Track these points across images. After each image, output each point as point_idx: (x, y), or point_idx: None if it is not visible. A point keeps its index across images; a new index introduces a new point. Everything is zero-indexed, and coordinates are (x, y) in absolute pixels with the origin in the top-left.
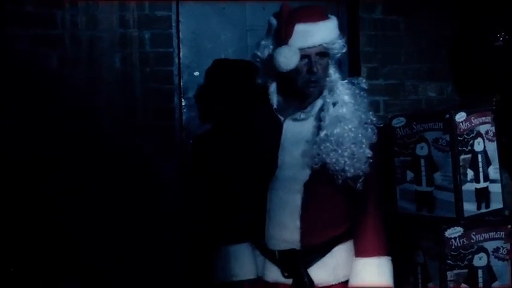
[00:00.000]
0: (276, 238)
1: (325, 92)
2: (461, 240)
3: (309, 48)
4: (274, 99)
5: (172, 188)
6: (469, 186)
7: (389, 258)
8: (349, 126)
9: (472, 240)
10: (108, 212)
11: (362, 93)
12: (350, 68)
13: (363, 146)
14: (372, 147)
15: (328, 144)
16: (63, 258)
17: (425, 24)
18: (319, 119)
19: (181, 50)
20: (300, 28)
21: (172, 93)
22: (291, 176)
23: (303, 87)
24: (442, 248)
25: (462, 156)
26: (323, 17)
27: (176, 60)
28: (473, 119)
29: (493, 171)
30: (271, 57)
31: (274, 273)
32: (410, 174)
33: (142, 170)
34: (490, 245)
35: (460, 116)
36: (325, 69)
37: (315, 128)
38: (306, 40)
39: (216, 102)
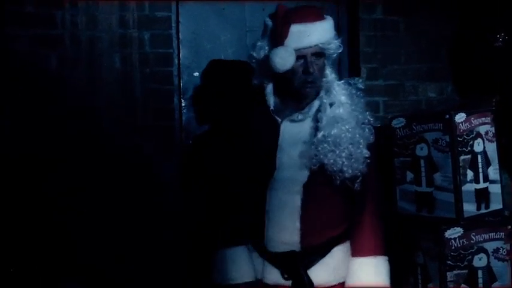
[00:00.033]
0: (275, 240)
1: (322, 93)
2: (461, 241)
3: (304, 48)
4: (271, 100)
5: (172, 188)
6: (469, 187)
7: (386, 258)
8: (347, 127)
9: (471, 241)
10: (108, 212)
11: (359, 93)
12: (350, 68)
13: (361, 146)
14: (369, 147)
15: (325, 145)
16: (63, 258)
17: (425, 24)
18: (316, 119)
19: (181, 51)
20: (295, 29)
21: (172, 93)
22: (289, 177)
23: (299, 88)
24: (442, 248)
25: (462, 157)
26: (319, 17)
27: (176, 60)
28: (473, 120)
29: (493, 172)
30: (267, 58)
31: (274, 275)
32: (410, 175)
33: (142, 170)
34: (489, 246)
35: (460, 117)
36: (322, 69)
37: (313, 129)
38: (302, 40)
39: (212, 103)
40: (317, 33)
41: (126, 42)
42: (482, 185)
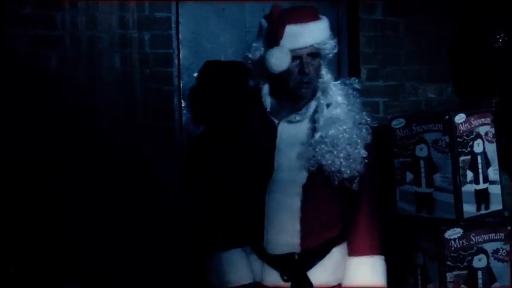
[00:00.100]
0: (275, 242)
1: (319, 94)
2: (460, 242)
3: (300, 49)
4: (268, 101)
5: (172, 188)
6: (469, 188)
7: (383, 257)
8: (344, 127)
9: (471, 242)
10: (108, 212)
11: (355, 93)
12: (350, 69)
13: (358, 146)
14: (366, 147)
15: (323, 145)
16: (63, 258)
17: (425, 25)
18: (313, 120)
19: (181, 51)
20: (290, 29)
21: (172, 94)
22: (288, 179)
23: (295, 89)
24: (441, 249)
25: (462, 158)
26: (314, 17)
27: (176, 61)
28: (473, 120)
29: (493, 173)
30: (263, 59)
31: (273, 277)
32: (409, 176)
33: (142, 170)
34: (489, 246)
35: (460, 118)
36: (317, 69)
37: (310, 129)
38: (297, 41)
39: (208, 104)
40: (312, 34)
41: (126, 43)
42: (482, 185)
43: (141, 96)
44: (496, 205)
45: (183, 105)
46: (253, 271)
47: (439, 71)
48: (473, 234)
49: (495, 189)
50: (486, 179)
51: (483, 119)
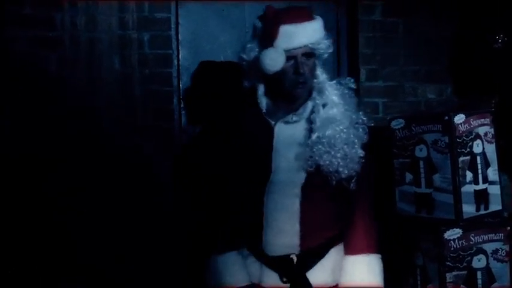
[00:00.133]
0: (274, 243)
1: (315, 94)
2: (460, 242)
3: (294, 49)
4: (263, 102)
5: (172, 188)
6: (468, 188)
7: (379, 256)
8: (341, 127)
9: (471, 242)
10: (108, 212)
11: (350, 93)
12: (349, 69)
13: (356, 146)
14: (363, 146)
15: (320, 146)
16: (63, 258)
17: (424, 25)
18: (310, 121)
19: (180, 52)
20: (284, 29)
21: (171, 94)
22: (287, 180)
23: (290, 89)
24: (441, 249)
25: (461, 158)
26: (308, 17)
27: (175, 62)
28: (472, 121)
29: (492, 173)
30: (257, 60)
31: (272, 279)
32: (409, 176)
33: (142, 170)
34: (489, 247)
35: (459, 118)
36: (312, 69)
37: (306, 130)
38: (292, 41)
39: (204, 105)
40: (306, 34)
41: (126, 43)
42: (481, 186)
43: (141, 97)
44: (495, 205)
45: (182, 105)
46: (251, 273)
47: (438, 72)
48: (473, 235)
49: (494, 190)
50: (485, 180)
51: (482, 120)
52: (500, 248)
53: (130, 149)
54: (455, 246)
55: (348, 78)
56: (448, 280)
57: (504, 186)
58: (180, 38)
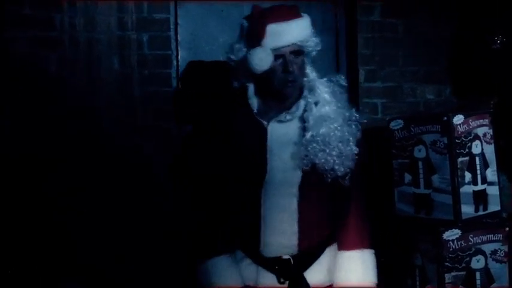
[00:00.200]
0: (272, 244)
1: (306, 92)
2: (459, 243)
3: (282, 47)
4: (254, 102)
5: (172, 188)
6: (467, 189)
7: (373, 251)
8: (335, 125)
9: (469, 243)
10: (108, 212)
11: (341, 90)
12: (348, 70)
13: (350, 143)
14: (357, 143)
15: (315, 144)
16: (63, 258)
17: (423, 26)
18: (303, 120)
19: (179, 53)
20: (271, 28)
21: (171, 95)
22: (283, 180)
23: (280, 88)
24: (440, 250)
25: (460, 159)
26: (295, 15)
27: (174, 62)
28: (471, 122)
29: (491, 174)
30: (245, 60)
31: (269, 280)
32: (408, 177)
33: (142, 170)
34: (487, 248)
35: (458, 119)
36: (301, 67)
37: (300, 129)
38: (279, 39)
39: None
40: (294, 32)
41: (125, 44)
42: (480, 186)
43: (140, 97)
44: (494, 206)
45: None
46: (247, 276)
47: (437, 72)
48: (472, 235)
49: (493, 190)
50: (484, 180)
51: (481, 120)
52: (499, 249)
53: (130, 149)
54: (454, 246)
55: (339, 75)
56: (446, 281)
57: (503, 186)
58: (179, 38)
